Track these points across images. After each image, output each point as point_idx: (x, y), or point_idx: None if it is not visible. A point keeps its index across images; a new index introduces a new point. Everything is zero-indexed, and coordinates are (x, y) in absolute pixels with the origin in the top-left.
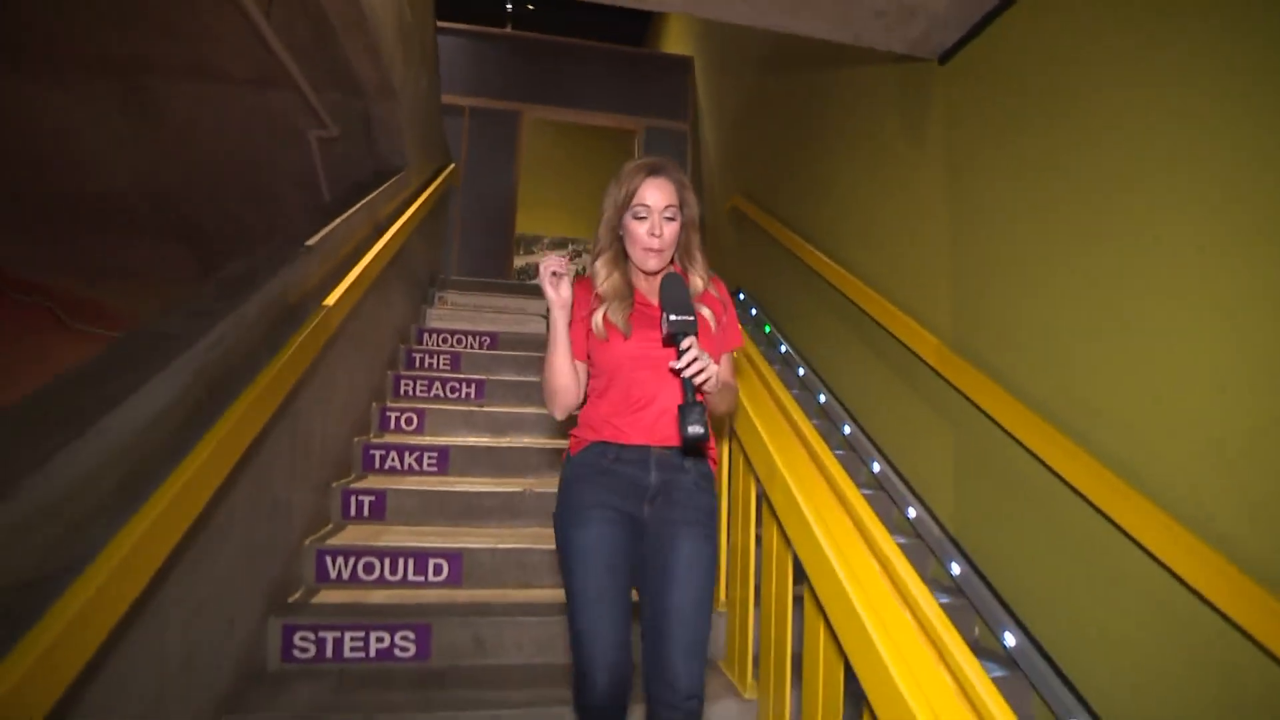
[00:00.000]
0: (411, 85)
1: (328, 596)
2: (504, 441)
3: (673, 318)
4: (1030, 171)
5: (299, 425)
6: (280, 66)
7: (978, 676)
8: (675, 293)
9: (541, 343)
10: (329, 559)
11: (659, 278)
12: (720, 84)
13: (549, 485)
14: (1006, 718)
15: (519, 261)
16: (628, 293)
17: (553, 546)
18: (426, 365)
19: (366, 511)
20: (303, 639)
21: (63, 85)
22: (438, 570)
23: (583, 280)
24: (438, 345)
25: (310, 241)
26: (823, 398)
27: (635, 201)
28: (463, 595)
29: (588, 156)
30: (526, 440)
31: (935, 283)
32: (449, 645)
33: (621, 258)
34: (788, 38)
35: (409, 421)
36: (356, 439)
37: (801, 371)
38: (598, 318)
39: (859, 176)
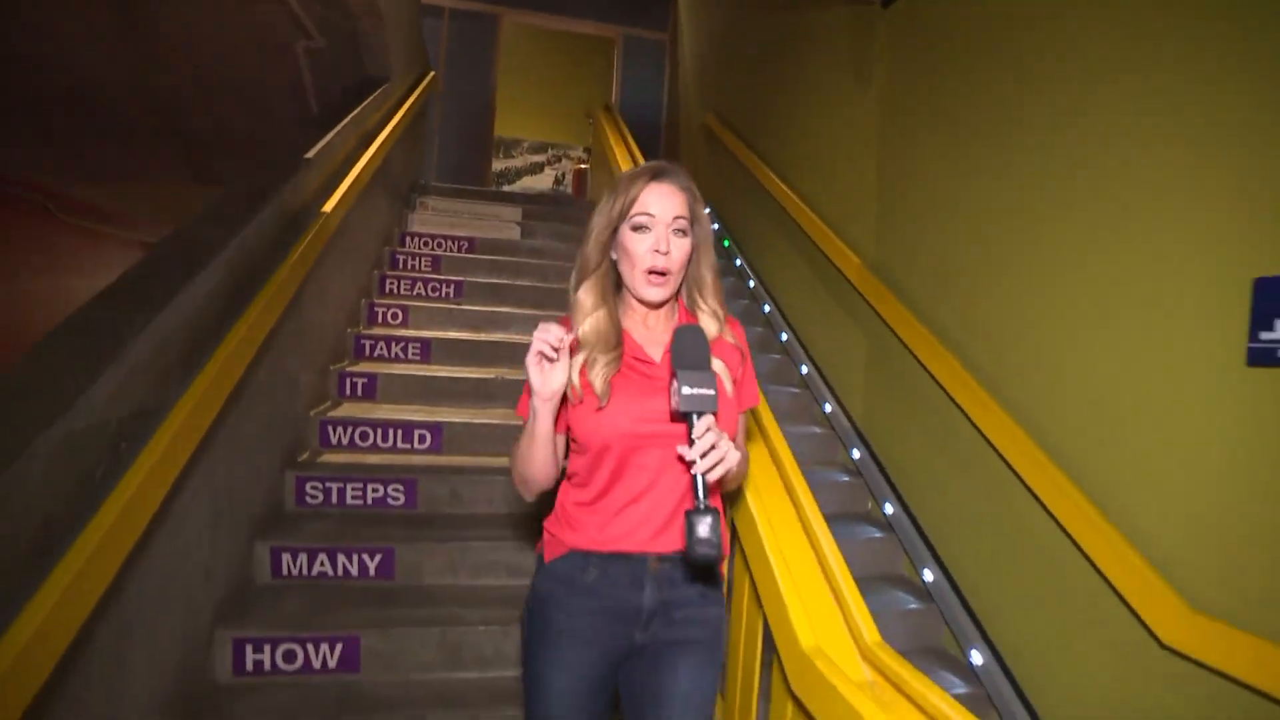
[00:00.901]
0: None
1: (331, 458)
2: (480, 336)
3: (686, 391)
4: (948, 110)
5: (304, 316)
6: None
7: None
8: (693, 354)
9: (515, 247)
10: (330, 428)
11: (660, 319)
12: (698, 2)
13: (516, 374)
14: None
15: (498, 165)
16: (614, 341)
17: (518, 422)
18: (409, 266)
19: (360, 391)
20: (312, 488)
21: None
22: (422, 439)
23: (564, 321)
24: (419, 248)
25: (310, 154)
26: (767, 308)
27: (635, 210)
28: (442, 459)
29: (566, 62)
30: (499, 335)
31: (863, 210)
32: (431, 497)
33: (611, 286)
34: None
35: (394, 316)
36: (349, 330)
37: (752, 284)
38: (574, 373)
39: (812, 109)
